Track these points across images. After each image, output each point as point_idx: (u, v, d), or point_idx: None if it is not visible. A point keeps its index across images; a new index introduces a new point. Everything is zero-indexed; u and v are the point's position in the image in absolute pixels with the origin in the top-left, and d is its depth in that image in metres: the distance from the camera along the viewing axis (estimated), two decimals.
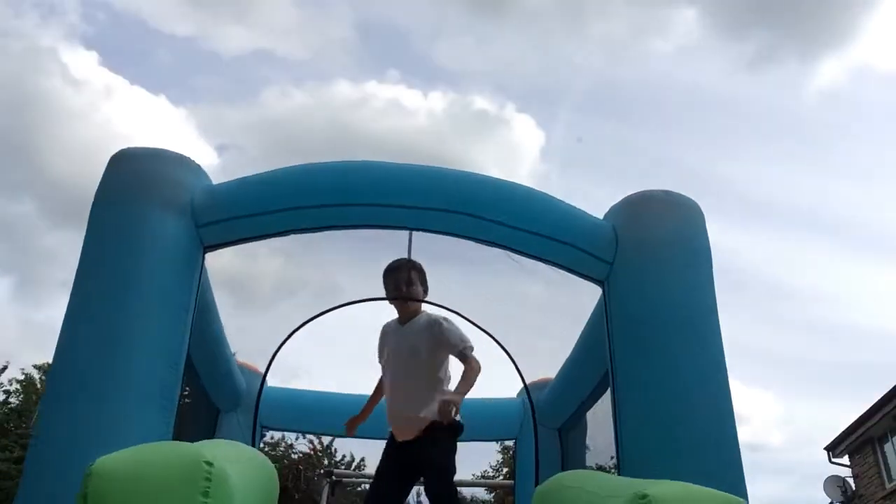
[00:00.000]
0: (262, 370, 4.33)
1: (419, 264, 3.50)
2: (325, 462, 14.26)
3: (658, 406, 2.92)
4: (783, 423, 30.57)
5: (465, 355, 3.34)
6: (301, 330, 3.99)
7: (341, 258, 3.80)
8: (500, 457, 17.23)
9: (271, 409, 4.65)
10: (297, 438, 14.25)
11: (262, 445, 5.39)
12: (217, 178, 3.36)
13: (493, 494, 14.32)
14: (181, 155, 3.26)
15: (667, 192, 3.33)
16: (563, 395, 4.33)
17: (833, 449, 14.78)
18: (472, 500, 14.42)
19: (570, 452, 4.49)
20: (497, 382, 5.00)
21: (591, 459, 4.31)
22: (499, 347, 3.98)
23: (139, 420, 2.65)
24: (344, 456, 15.28)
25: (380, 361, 3.62)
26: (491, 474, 16.74)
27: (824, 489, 14.29)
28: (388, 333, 3.60)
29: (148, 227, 2.98)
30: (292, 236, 3.35)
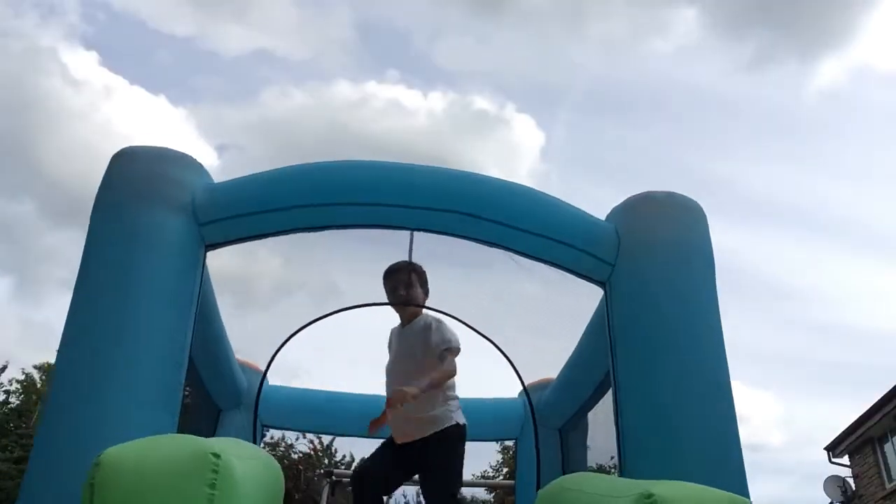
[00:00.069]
0: (262, 369, 4.33)
1: (419, 266, 3.50)
2: (325, 462, 14.25)
3: (659, 407, 2.91)
4: (783, 423, 30.61)
5: (442, 357, 3.33)
6: (295, 326, 3.98)
7: (341, 258, 3.80)
8: (500, 457, 17.24)
9: (272, 408, 4.65)
10: (297, 438, 14.26)
11: (262, 445, 5.38)
12: (217, 179, 3.36)
13: (493, 494, 14.32)
14: (183, 153, 3.25)
15: (669, 194, 3.32)
16: (564, 396, 4.33)
17: (833, 449, 14.79)
18: (472, 500, 14.41)
19: (572, 453, 4.48)
20: (499, 382, 5.01)
21: (591, 460, 4.31)
22: (498, 350, 3.97)
23: (143, 419, 2.65)
24: (344, 456, 15.29)
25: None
26: (491, 474, 16.75)
27: (824, 489, 14.30)
28: (392, 336, 3.63)
29: (149, 226, 2.98)
30: (292, 236, 3.34)
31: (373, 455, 3.51)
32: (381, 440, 3.57)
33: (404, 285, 3.45)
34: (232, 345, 4.14)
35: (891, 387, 12.42)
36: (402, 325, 3.56)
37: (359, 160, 3.39)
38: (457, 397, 3.44)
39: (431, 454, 3.31)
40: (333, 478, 6.32)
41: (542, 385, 4.53)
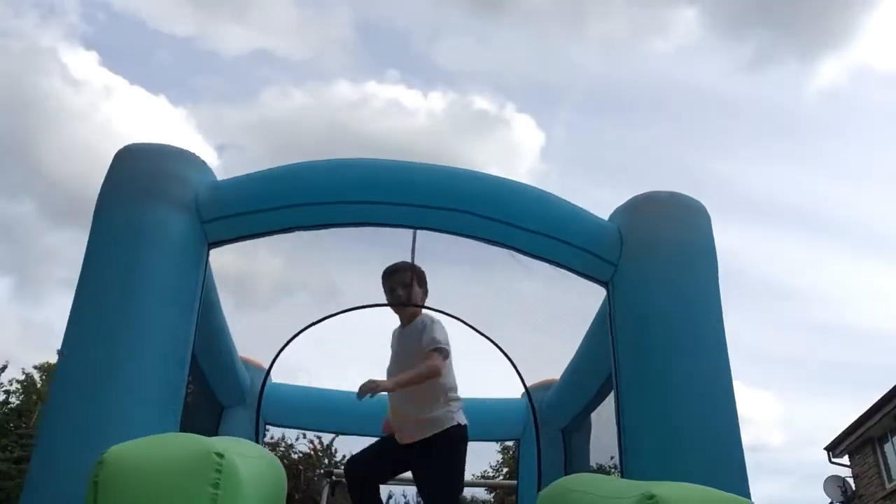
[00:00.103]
0: (266, 366, 4.33)
1: (418, 267, 3.50)
2: (325, 462, 14.24)
3: (661, 407, 2.91)
4: (783, 423, 30.59)
5: (428, 355, 3.32)
6: (297, 326, 3.99)
7: (341, 258, 3.81)
8: (500, 457, 17.24)
9: (274, 406, 4.66)
10: (297, 438, 14.26)
11: (262, 444, 5.39)
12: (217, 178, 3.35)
13: (493, 494, 14.33)
14: (186, 151, 3.26)
15: (673, 194, 3.31)
16: (567, 397, 4.33)
17: (833, 449, 14.79)
18: (472, 500, 14.42)
19: (574, 454, 4.47)
20: (502, 383, 5.01)
21: (593, 460, 4.30)
22: (499, 351, 3.97)
23: (145, 417, 2.65)
24: (344, 456, 15.27)
25: None
26: (491, 474, 16.75)
27: (824, 489, 14.30)
28: (393, 337, 3.65)
29: (153, 224, 2.98)
30: (293, 235, 3.35)
31: (370, 445, 3.54)
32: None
33: (403, 286, 3.46)
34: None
35: (891, 387, 12.43)
36: (402, 325, 3.57)
37: (362, 158, 3.39)
38: (459, 398, 3.43)
39: (433, 456, 3.31)
40: (333, 478, 6.32)
41: (545, 386, 4.52)
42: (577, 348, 3.96)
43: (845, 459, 14.75)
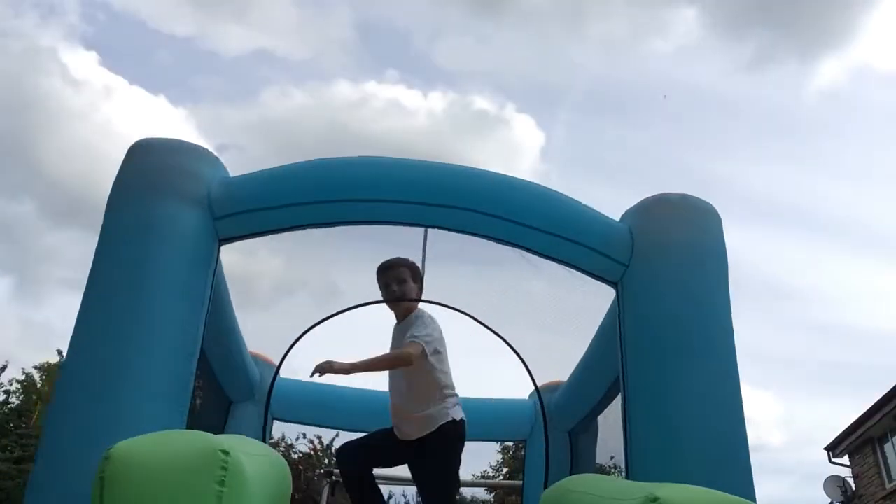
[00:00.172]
0: (275, 362, 4.35)
1: (412, 262, 3.51)
2: (325, 462, 14.23)
3: (668, 410, 2.91)
4: (783, 423, 30.57)
5: (405, 345, 3.31)
6: (298, 325, 4.00)
7: (341, 258, 3.81)
8: (500, 457, 17.25)
9: (283, 402, 4.66)
10: (297, 438, 14.24)
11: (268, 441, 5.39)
12: None
13: (493, 494, 14.32)
14: (199, 146, 3.27)
15: (684, 196, 3.31)
16: (574, 398, 4.32)
17: (833, 449, 14.78)
18: (472, 500, 14.41)
19: (581, 456, 4.48)
20: (509, 383, 5.02)
21: (604, 462, 4.30)
22: (509, 348, 3.97)
23: (153, 412, 2.66)
24: None
25: None
26: (491, 474, 16.75)
27: (824, 489, 14.29)
28: (392, 333, 3.64)
29: (164, 219, 2.99)
30: (293, 234, 3.35)
31: (366, 436, 3.54)
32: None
33: (398, 281, 3.45)
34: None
35: (891, 387, 12.42)
36: (398, 322, 3.57)
37: (375, 156, 3.40)
38: (455, 394, 3.42)
39: (428, 455, 3.31)
40: (333, 478, 6.30)
41: (552, 387, 4.52)
42: (585, 350, 3.96)
43: (845, 459, 14.75)
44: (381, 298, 3.54)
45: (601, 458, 4.31)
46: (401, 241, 3.57)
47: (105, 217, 3.02)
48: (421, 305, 3.55)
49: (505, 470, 17.02)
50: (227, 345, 3.93)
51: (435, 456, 3.30)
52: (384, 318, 3.68)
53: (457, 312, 3.65)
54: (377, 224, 3.33)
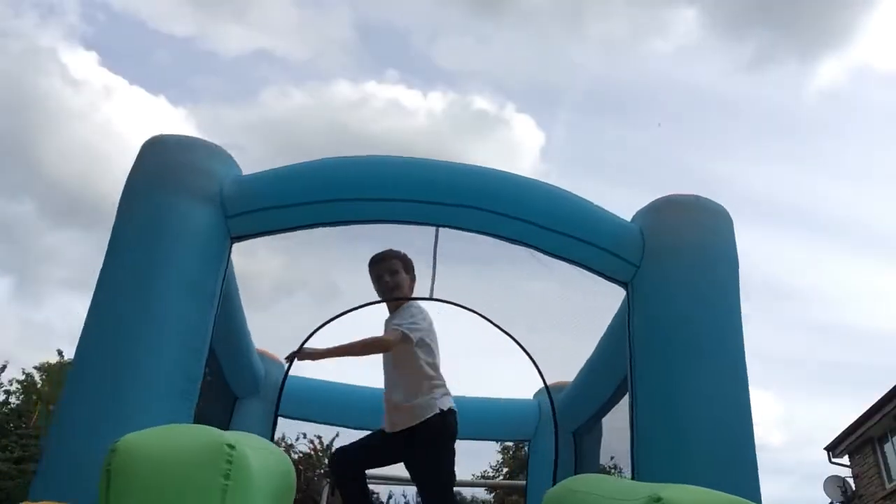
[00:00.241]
0: (281, 360, 4.33)
1: (403, 253, 3.54)
2: (325, 462, 14.24)
3: (676, 411, 2.91)
4: (783, 423, 30.57)
5: (386, 333, 3.37)
6: (298, 326, 4.00)
7: (341, 258, 3.82)
8: (500, 457, 17.25)
9: (287, 398, 4.63)
10: (297, 439, 14.23)
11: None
12: None
13: (493, 494, 14.31)
14: (212, 144, 3.27)
15: (695, 197, 3.32)
16: (580, 399, 4.33)
17: (833, 449, 14.78)
18: (472, 500, 14.40)
19: (585, 457, 4.48)
20: (513, 383, 5.04)
21: (603, 463, 4.30)
22: (515, 348, 3.97)
23: (162, 408, 2.67)
24: None
25: None
26: (491, 474, 16.75)
27: (824, 489, 14.29)
28: (384, 326, 3.66)
29: (177, 216, 2.99)
30: (294, 234, 3.36)
31: (358, 440, 3.55)
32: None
33: (390, 272, 3.49)
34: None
35: (891, 387, 12.43)
36: (390, 313, 3.60)
37: (386, 156, 3.40)
38: (443, 384, 3.44)
39: (417, 446, 3.32)
40: (338, 450, 6.31)
41: (558, 388, 4.51)
42: (592, 350, 3.96)
43: (845, 459, 14.75)
44: (395, 297, 3.55)
45: (602, 458, 4.32)
46: (400, 242, 3.59)
47: (117, 213, 3.04)
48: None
49: (505, 470, 17.02)
50: (236, 342, 3.94)
51: (424, 448, 3.32)
52: (381, 316, 3.70)
53: (465, 311, 3.65)
54: (389, 223, 3.34)
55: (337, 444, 14.50)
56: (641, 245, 3.26)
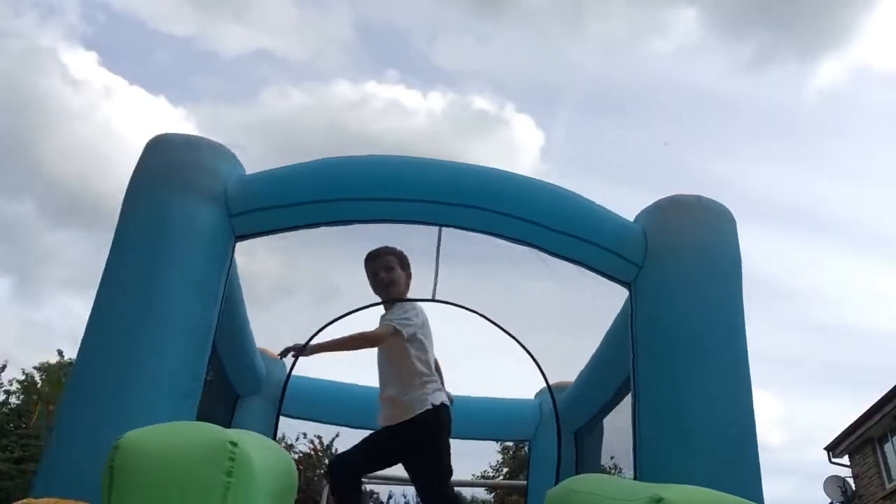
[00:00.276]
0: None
1: (399, 250, 3.55)
2: (325, 462, 14.23)
3: (678, 411, 2.91)
4: (783, 423, 30.57)
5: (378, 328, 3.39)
6: (297, 325, 4.01)
7: (341, 258, 3.82)
8: (500, 457, 17.25)
9: (289, 398, 4.65)
10: (297, 439, 14.23)
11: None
12: None
13: (493, 494, 14.32)
14: (216, 143, 3.28)
15: (698, 197, 3.32)
16: (581, 399, 4.33)
17: (833, 449, 14.79)
18: (472, 500, 14.41)
19: (586, 457, 4.48)
20: (514, 383, 5.05)
21: (603, 462, 4.30)
22: (515, 347, 3.97)
23: (164, 407, 2.67)
24: None
25: None
26: (491, 474, 16.75)
27: (824, 489, 14.30)
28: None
29: (181, 215, 3.00)
30: (294, 235, 3.37)
31: (354, 446, 3.55)
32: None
33: (385, 269, 3.51)
34: None
35: (891, 387, 12.44)
36: (385, 311, 3.61)
37: (391, 156, 3.41)
38: (434, 379, 3.45)
39: (411, 442, 3.33)
40: (335, 459, 6.32)
41: (560, 388, 4.51)
42: (594, 351, 3.96)
43: (845, 459, 14.76)
44: (400, 298, 3.57)
45: (602, 458, 4.32)
46: (403, 242, 3.59)
47: (121, 212, 3.04)
48: (410, 295, 3.59)
49: (505, 470, 17.03)
50: (239, 341, 3.95)
51: (418, 444, 3.32)
52: (381, 314, 3.71)
53: (468, 312, 3.66)
54: (392, 223, 3.35)
55: (337, 444, 14.57)
56: (644, 245, 3.27)
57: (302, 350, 3.40)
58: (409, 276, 3.58)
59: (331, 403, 5.01)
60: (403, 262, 3.56)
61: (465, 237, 3.34)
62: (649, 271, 3.23)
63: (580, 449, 4.53)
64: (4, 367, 18.30)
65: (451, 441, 3.47)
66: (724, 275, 3.16)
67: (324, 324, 3.74)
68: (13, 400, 18.71)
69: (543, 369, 4.05)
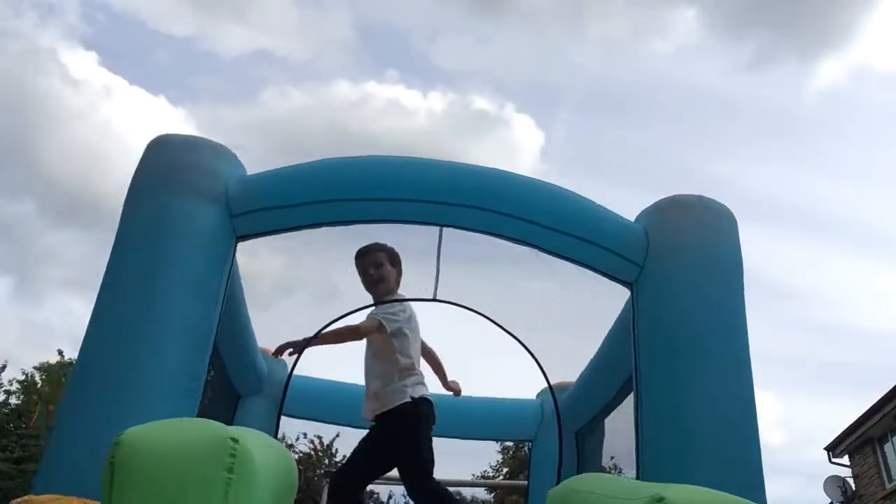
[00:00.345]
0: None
1: (390, 247, 3.57)
2: (325, 462, 14.23)
3: (681, 411, 2.91)
4: (783, 423, 30.58)
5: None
6: (298, 325, 4.01)
7: (341, 258, 3.83)
8: (500, 457, 17.25)
9: (290, 397, 4.65)
10: (297, 438, 14.23)
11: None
12: None
13: (493, 494, 14.32)
14: (217, 143, 3.29)
15: (700, 198, 3.32)
16: (583, 399, 4.33)
17: (833, 449, 14.79)
18: (472, 500, 14.41)
19: (587, 457, 4.49)
20: (515, 383, 5.05)
21: (603, 463, 4.30)
22: (516, 347, 3.97)
23: (165, 408, 2.67)
24: (344, 456, 15.26)
25: None
26: (491, 474, 16.75)
27: (824, 489, 14.30)
28: None
29: (182, 215, 3.01)
30: (295, 235, 3.37)
31: (351, 458, 3.58)
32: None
33: (374, 265, 3.54)
34: None
35: (891, 387, 12.43)
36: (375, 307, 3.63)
37: (392, 156, 3.42)
38: (416, 373, 3.47)
39: (391, 434, 3.35)
40: (333, 476, 6.31)
41: (561, 388, 4.51)
42: (595, 351, 3.97)
43: (845, 459, 14.75)
44: (398, 298, 3.58)
45: (602, 458, 4.32)
46: (404, 242, 3.59)
47: (122, 212, 3.05)
48: (399, 291, 3.61)
49: (505, 470, 17.02)
50: (240, 341, 3.95)
51: (398, 436, 3.32)
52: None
53: (468, 312, 3.66)
54: (393, 223, 3.36)
55: (337, 444, 14.57)
56: (645, 245, 3.27)
57: (303, 348, 3.41)
58: (399, 273, 3.60)
59: (332, 403, 5.00)
60: (393, 259, 3.58)
61: (466, 237, 3.35)
62: (650, 271, 3.24)
63: (581, 449, 4.53)
64: (4, 367, 18.30)
65: (452, 441, 3.49)
66: (725, 275, 3.16)
67: (324, 324, 3.74)
68: (13, 400, 18.71)
69: (545, 369, 4.05)
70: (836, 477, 14.38)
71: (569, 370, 4.30)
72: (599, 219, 3.35)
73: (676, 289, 3.13)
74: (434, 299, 3.50)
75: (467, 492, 12.91)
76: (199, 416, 2.90)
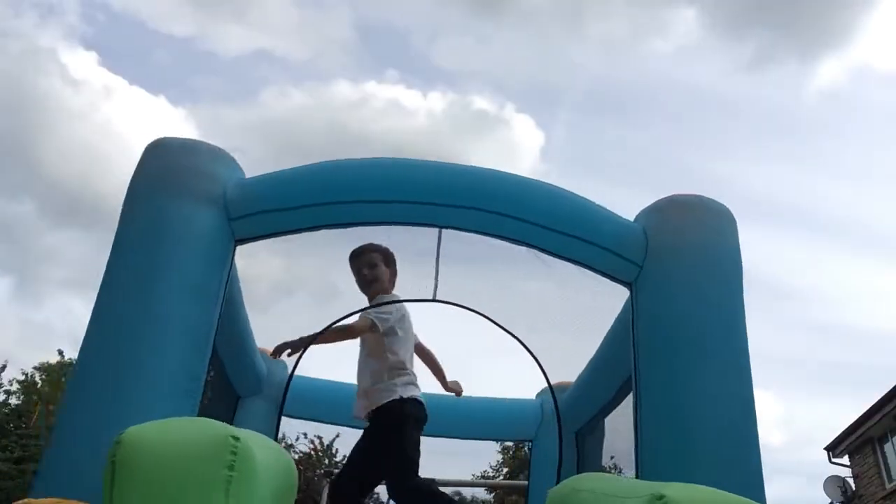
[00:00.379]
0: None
1: (384, 247, 3.60)
2: (325, 462, 14.23)
3: (680, 411, 2.91)
4: (783, 423, 30.59)
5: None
6: (297, 326, 4.02)
7: (343, 258, 3.83)
8: (500, 457, 17.25)
9: (290, 398, 4.65)
10: (297, 438, 14.23)
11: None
12: None
13: (493, 494, 14.32)
14: (215, 147, 3.28)
15: (699, 197, 3.32)
16: (582, 399, 4.33)
17: (833, 449, 14.80)
18: (472, 500, 14.41)
19: (587, 457, 4.48)
20: (515, 383, 5.05)
21: (603, 463, 4.30)
22: (516, 347, 3.97)
23: (165, 406, 2.67)
24: (344, 456, 15.25)
25: None
26: (491, 474, 16.75)
27: (824, 489, 14.31)
28: None
29: (180, 219, 3.00)
30: (294, 235, 3.37)
31: (349, 462, 3.60)
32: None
33: (368, 266, 3.57)
34: None
35: (891, 387, 12.45)
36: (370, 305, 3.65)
37: (390, 158, 3.42)
38: (407, 373, 3.49)
39: (378, 431, 3.37)
40: (333, 478, 6.31)
41: (561, 388, 4.50)
42: (594, 351, 3.96)
43: (845, 459, 14.77)
44: (400, 299, 3.61)
45: (602, 458, 4.32)
46: (403, 243, 3.60)
47: (121, 215, 3.05)
48: (395, 291, 3.63)
49: (505, 470, 17.03)
50: (239, 342, 3.95)
51: (384, 433, 3.34)
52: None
53: (468, 312, 3.67)
54: (392, 225, 3.37)
55: (337, 444, 14.57)
56: (645, 245, 3.27)
57: (301, 348, 3.41)
58: (394, 273, 3.63)
59: (332, 403, 5.00)
60: (388, 259, 3.60)
61: (466, 238, 3.35)
62: (650, 271, 3.23)
63: (581, 449, 4.53)
64: (4, 367, 18.32)
65: (452, 441, 3.50)
66: (725, 274, 3.16)
67: (324, 326, 3.75)
68: (13, 400, 18.73)
69: (545, 369, 4.05)
70: (836, 477, 14.39)
71: (568, 370, 4.30)
72: (598, 219, 3.35)
73: (676, 289, 3.13)
74: (434, 300, 3.50)
75: (467, 492, 12.90)
76: (200, 416, 2.89)
